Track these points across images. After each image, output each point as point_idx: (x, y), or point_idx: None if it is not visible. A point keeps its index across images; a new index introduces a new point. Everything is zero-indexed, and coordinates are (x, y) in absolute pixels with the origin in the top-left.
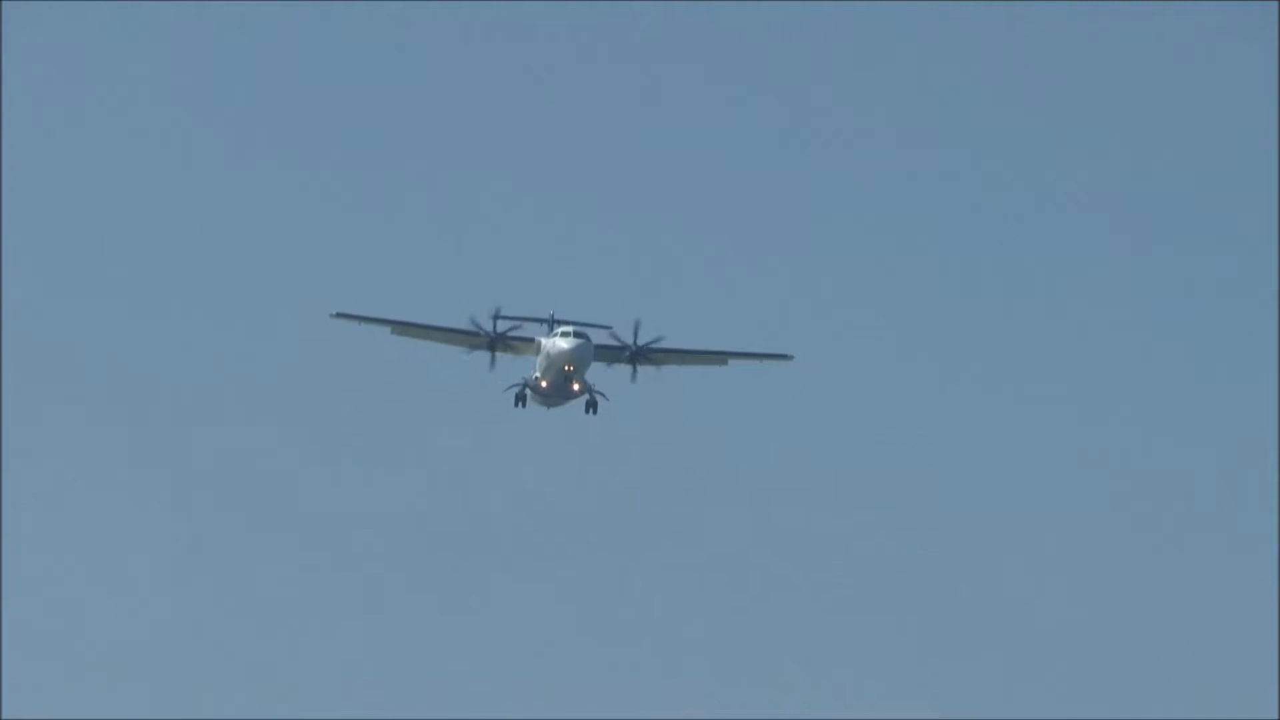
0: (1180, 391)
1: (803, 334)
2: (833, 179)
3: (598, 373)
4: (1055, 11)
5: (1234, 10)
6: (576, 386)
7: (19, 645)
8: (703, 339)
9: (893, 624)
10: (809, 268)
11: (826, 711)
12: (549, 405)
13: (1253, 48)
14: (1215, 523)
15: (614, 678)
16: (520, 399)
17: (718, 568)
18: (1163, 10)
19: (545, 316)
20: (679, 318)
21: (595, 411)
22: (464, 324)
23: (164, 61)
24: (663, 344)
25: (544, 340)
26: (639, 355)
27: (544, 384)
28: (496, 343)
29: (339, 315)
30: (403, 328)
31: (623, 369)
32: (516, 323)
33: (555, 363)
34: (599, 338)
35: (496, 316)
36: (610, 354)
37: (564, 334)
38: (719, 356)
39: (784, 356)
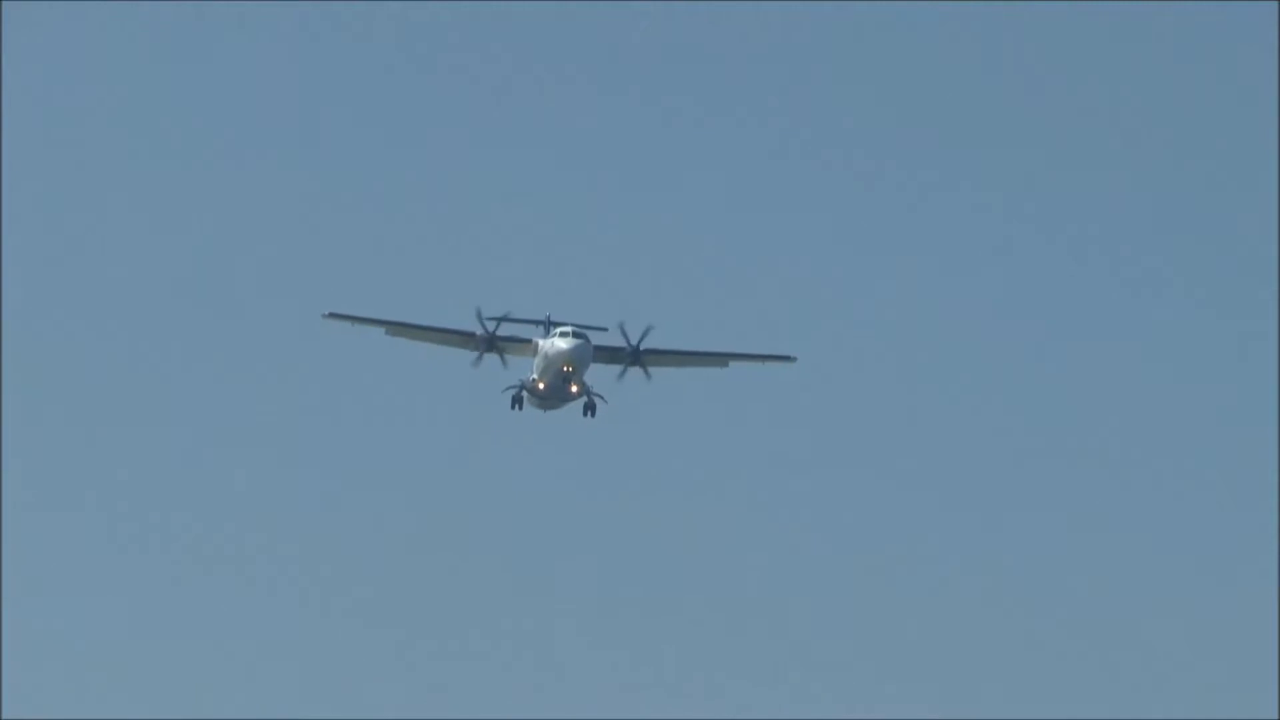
0: (1180, 391)
1: (806, 335)
2: (834, 175)
3: (596, 375)
4: (1055, 11)
5: (1234, 10)
6: (574, 388)
7: (19, 645)
8: (702, 340)
9: (897, 628)
10: (812, 267)
11: (828, 712)
12: (546, 408)
13: (1253, 48)
14: (1215, 523)
15: (612, 683)
16: (517, 401)
17: (718, 574)
18: (1163, 10)
19: (541, 318)
20: (678, 319)
21: (593, 414)
22: (460, 325)
23: (162, 61)
24: (661, 345)
25: (541, 341)
26: (638, 357)
27: (541, 386)
28: (493, 344)
29: (331, 315)
30: (397, 328)
31: (621, 371)
32: (513, 324)
33: (553, 364)
34: (596, 339)
35: (492, 318)
36: (609, 355)
37: (563, 334)
38: (719, 358)
39: (787, 358)
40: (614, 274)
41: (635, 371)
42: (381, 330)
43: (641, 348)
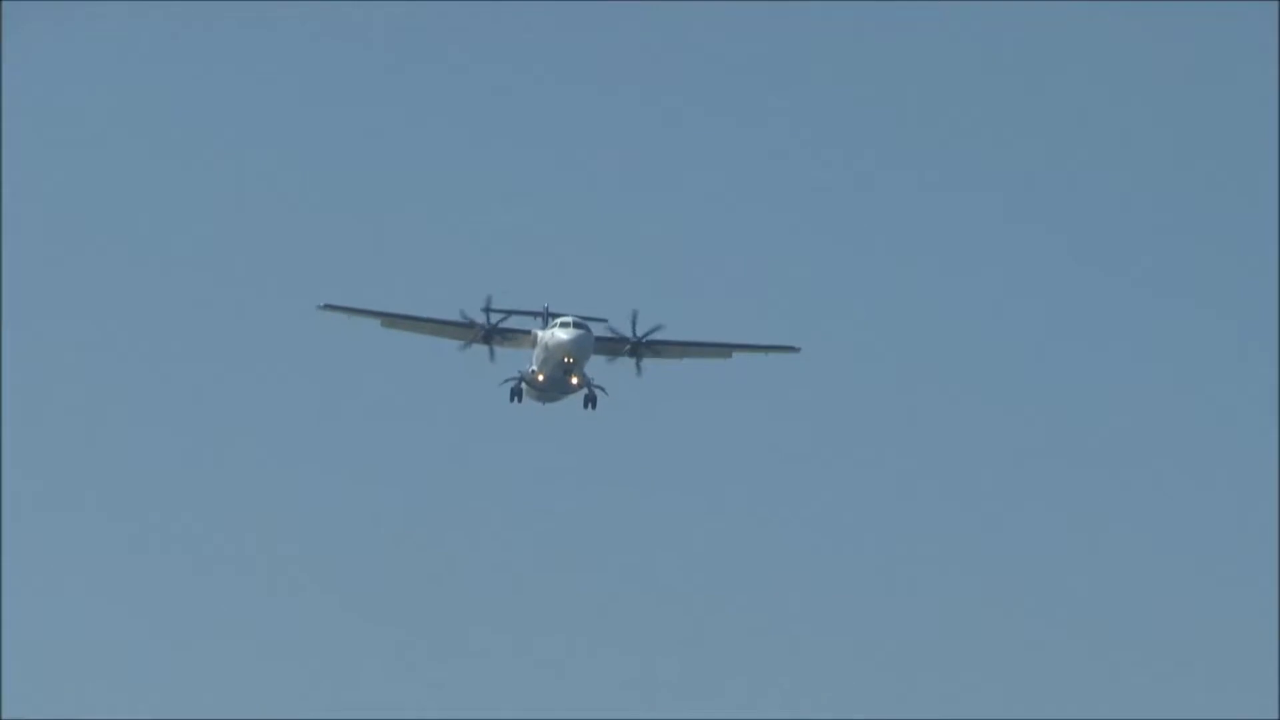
0: (1180, 391)
1: (810, 325)
2: (835, 173)
3: (596, 367)
4: (1055, 11)
5: (1234, 10)
6: (575, 380)
7: (19, 645)
8: (706, 330)
9: (902, 623)
10: (817, 256)
11: (829, 712)
12: (546, 400)
13: (1253, 48)
14: (1215, 523)
15: (613, 680)
16: (516, 394)
17: (722, 568)
18: (1163, 10)
19: (540, 309)
20: (680, 309)
21: (594, 406)
22: (456, 316)
23: (160, 60)
24: (664, 336)
25: (541, 332)
26: (640, 347)
27: (541, 378)
28: (491, 335)
29: (327, 307)
30: (393, 320)
31: (634, 364)
32: (510, 315)
33: (554, 355)
34: (597, 330)
35: (488, 309)
36: (609, 346)
37: (563, 324)
38: (723, 349)
39: (791, 348)
40: (614, 266)
41: (633, 365)
42: (377, 322)
43: (643, 339)
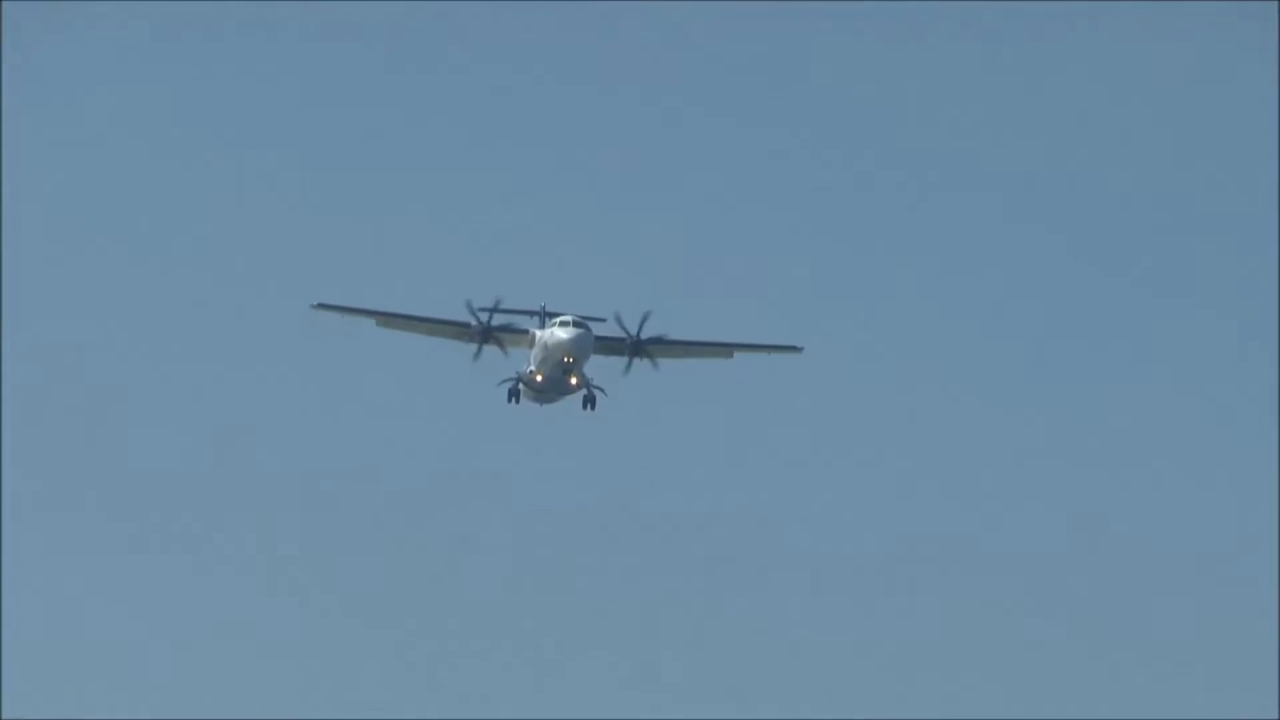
0: (1180, 391)
1: (813, 325)
2: (837, 169)
3: (595, 367)
4: (1055, 11)
5: (1234, 10)
6: (574, 381)
7: (19, 645)
8: (707, 330)
9: (904, 623)
10: (820, 255)
11: (830, 711)
12: (544, 401)
13: (1253, 48)
14: (1215, 523)
15: (612, 682)
16: (513, 394)
17: (723, 571)
18: (1163, 10)
19: (537, 308)
20: (681, 309)
21: (593, 407)
22: (453, 315)
23: (158, 59)
24: (665, 335)
25: (539, 332)
26: (640, 347)
27: (539, 378)
28: (488, 335)
29: (320, 306)
30: (388, 319)
31: (620, 362)
32: (507, 314)
33: (553, 355)
34: (596, 330)
35: (485, 309)
36: (609, 346)
37: (562, 323)
38: (724, 349)
39: (793, 348)
40: (614, 266)
41: (639, 365)
42: (372, 322)
43: (644, 338)
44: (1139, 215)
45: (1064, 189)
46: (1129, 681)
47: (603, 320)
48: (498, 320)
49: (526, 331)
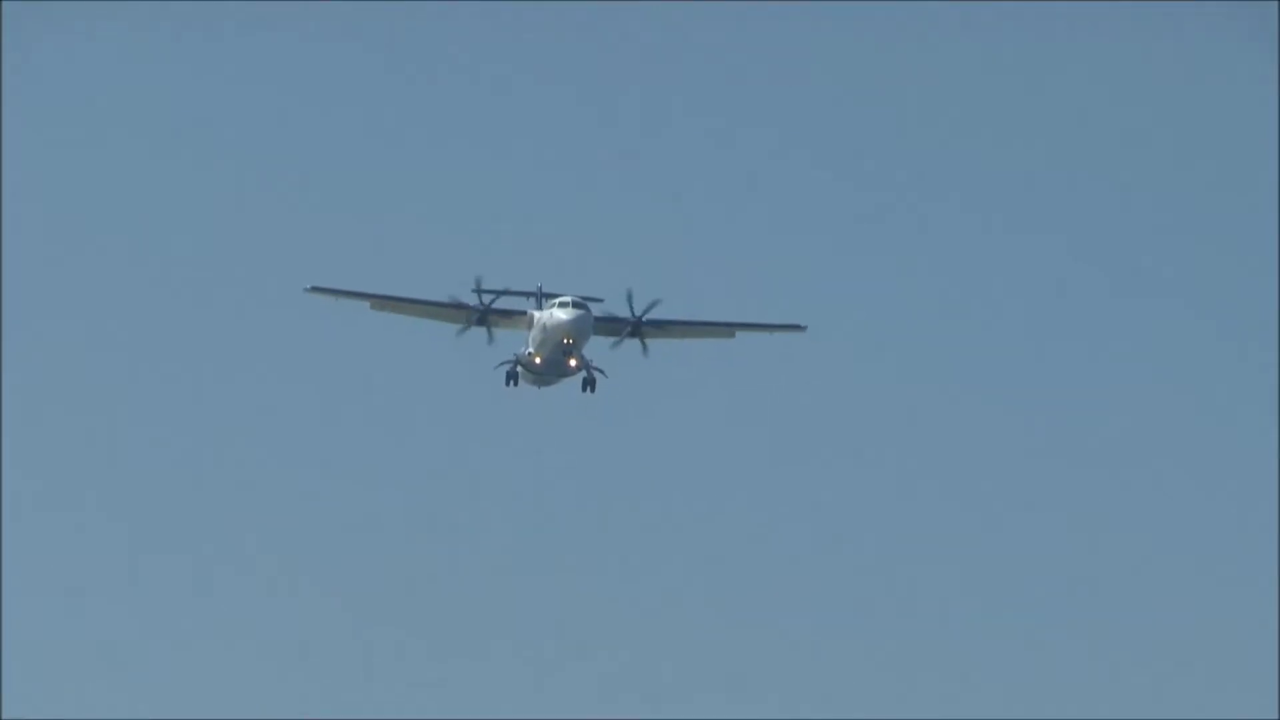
0: (1180, 391)
1: (816, 304)
2: (837, 169)
3: (595, 348)
4: (1055, 11)
5: (1234, 10)
6: (573, 363)
7: (19, 645)
8: (709, 310)
9: (903, 615)
10: (823, 233)
11: (831, 711)
12: (542, 384)
13: (1253, 48)
14: (1215, 523)
15: (612, 674)
16: (511, 377)
17: (726, 556)
18: (1163, 10)
19: (533, 289)
20: (683, 288)
21: (593, 390)
22: (448, 297)
23: (158, 59)
24: (666, 315)
25: (538, 313)
26: (640, 328)
27: (538, 360)
28: (485, 317)
29: (314, 289)
30: (382, 302)
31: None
32: (501, 295)
33: (552, 336)
34: (595, 310)
35: (480, 290)
36: (609, 327)
37: (561, 304)
38: (726, 328)
39: (796, 327)
40: (612, 243)
41: (636, 346)
42: (366, 305)
43: (644, 318)
44: (1139, 216)
45: (1064, 189)
46: (1129, 681)
47: (600, 300)
48: (493, 302)
49: (524, 313)
